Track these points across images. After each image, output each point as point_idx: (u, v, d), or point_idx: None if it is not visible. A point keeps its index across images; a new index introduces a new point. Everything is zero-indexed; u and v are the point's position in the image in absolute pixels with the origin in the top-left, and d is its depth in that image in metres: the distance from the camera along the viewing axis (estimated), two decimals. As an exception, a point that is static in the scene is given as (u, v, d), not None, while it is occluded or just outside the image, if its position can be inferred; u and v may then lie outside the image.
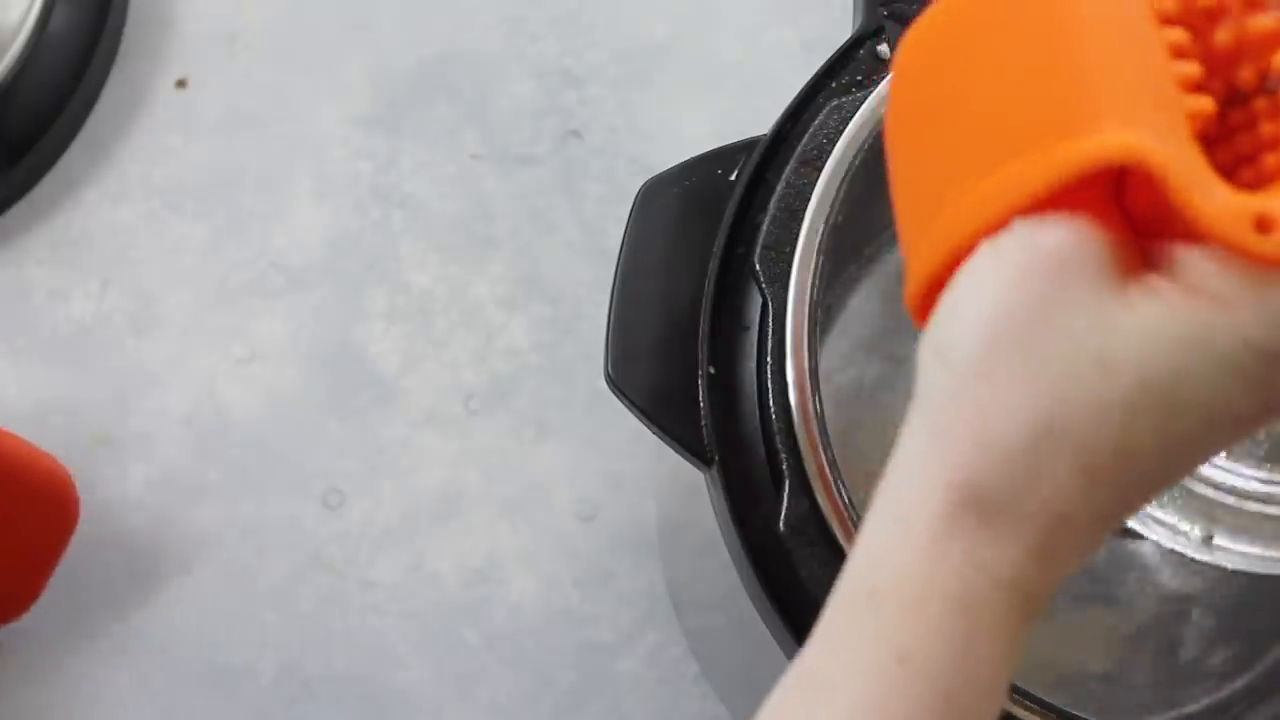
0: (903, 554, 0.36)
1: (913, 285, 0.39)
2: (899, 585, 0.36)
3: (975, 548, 0.36)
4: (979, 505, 0.36)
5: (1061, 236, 0.36)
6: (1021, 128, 0.37)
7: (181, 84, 0.84)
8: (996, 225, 0.37)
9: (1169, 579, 0.65)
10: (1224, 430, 0.36)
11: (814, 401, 0.52)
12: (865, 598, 0.36)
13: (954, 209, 0.38)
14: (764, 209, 0.55)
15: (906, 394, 0.67)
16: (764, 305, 0.54)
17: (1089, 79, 0.37)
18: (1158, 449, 0.36)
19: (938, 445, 0.36)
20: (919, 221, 0.40)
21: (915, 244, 0.40)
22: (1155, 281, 0.36)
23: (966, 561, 0.36)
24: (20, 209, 0.81)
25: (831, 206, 0.54)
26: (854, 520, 0.51)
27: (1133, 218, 0.38)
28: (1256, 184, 0.37)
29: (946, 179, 0.39)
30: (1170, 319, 0.35)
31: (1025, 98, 0.38)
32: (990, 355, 0.36)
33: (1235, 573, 0.57)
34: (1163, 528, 0.57)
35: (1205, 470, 0.55)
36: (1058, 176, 0.36)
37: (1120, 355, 0.35)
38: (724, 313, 0.55)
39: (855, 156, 0.55)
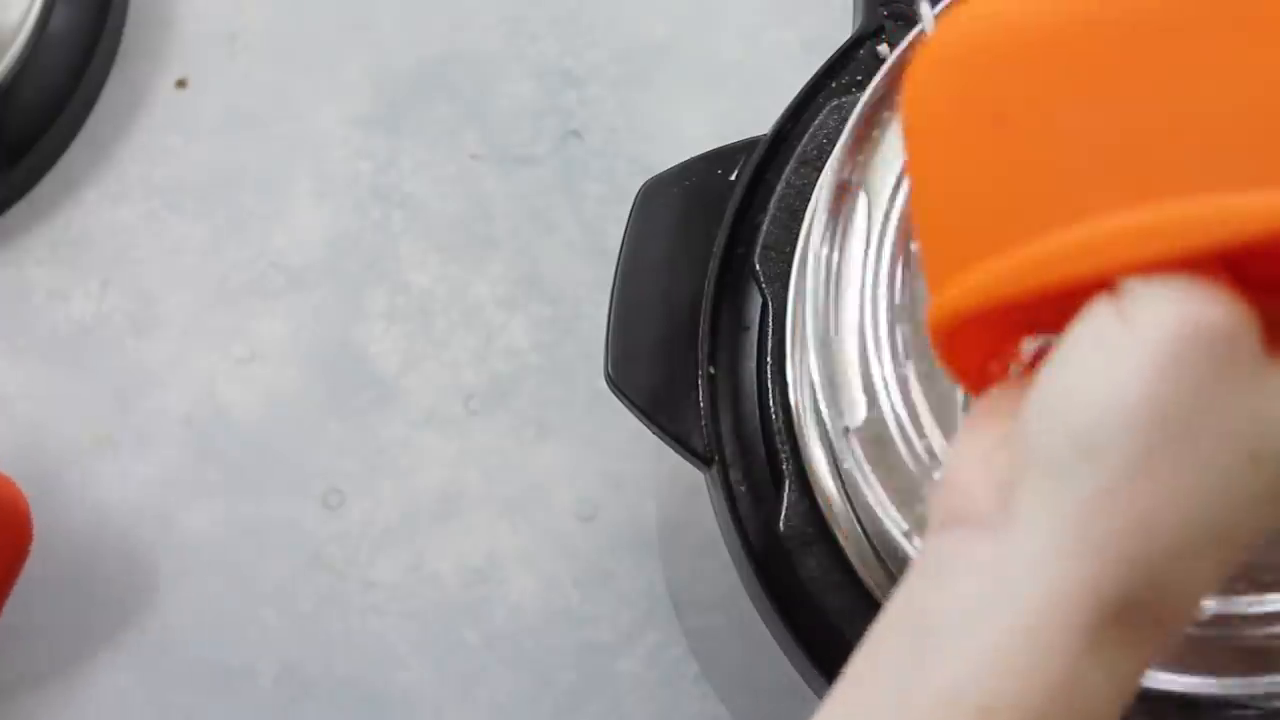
0: (1028, 672, 0.32)
1: (950, 309, 0.36)
2: (1021, 704, 0.32)
3: (1117, 662, 0.33)
4: (1129, 617, 0.33)
5: (1221, 310, 0.32)
6: (1174, 164, 0.33)
7: (181, 84, 0.84)
8: (1107, 276, 0.33)
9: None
10: None
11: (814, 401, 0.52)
12: (973, 715, 0.32)
13: (1042, 243, 0.33)
14: (764, 209, 0.55)
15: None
16: (764, 305, 0.54)
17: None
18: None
19: (1083, 553, 0.32)
20: (963, 236, 0.36)
21: (956, 262, 0.36)
22: None
23: (1106, 678, 0.33)
24: (20, 209, 0.81)
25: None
26: (855, 519, 0.50)
27: (1245, 279, 0.33)
28: None
29: (1019, 198, 0.35)
30: None
31: (1186, 127, 0.33)
32: (1151, 452, 0.32)
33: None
34: None
35: None
36: (1246, 236, 0.32)
37: (1271, 443, 0.33)
38: (724, 313, 0.55)
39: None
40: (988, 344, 0.37)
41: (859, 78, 0.57)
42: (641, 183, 0.57)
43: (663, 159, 0.59)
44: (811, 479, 0.51)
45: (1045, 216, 0.34)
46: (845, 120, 0.55)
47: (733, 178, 0.57)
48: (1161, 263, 0.32)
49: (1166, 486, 0.32)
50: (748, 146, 0.57)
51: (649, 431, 0.56)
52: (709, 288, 0.55)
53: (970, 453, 0.36)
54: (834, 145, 0.55)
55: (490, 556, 0.74)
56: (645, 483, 0.78)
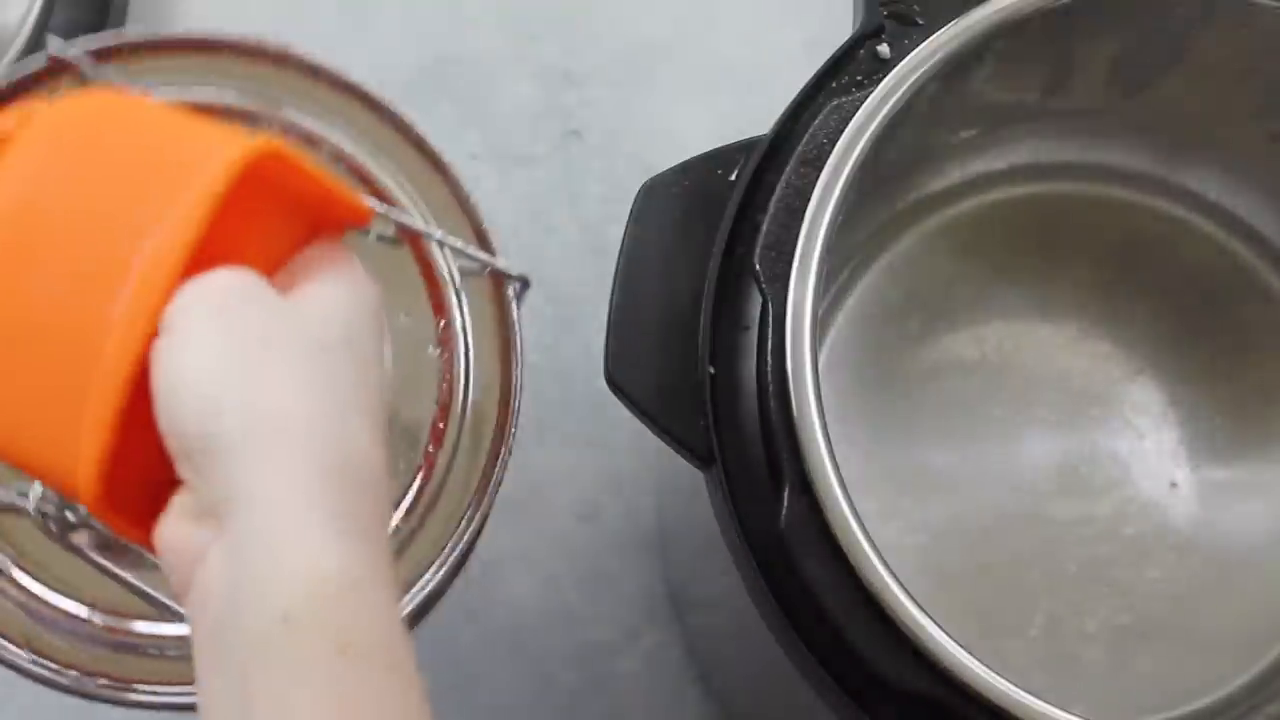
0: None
1: (91, 486, 0.38)
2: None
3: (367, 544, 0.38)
4: (351, 501, 0.38)
5: (221, 282, 0.38)
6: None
7: (181, 84, 0.84)
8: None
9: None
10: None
11: (814, 401, 0.52)
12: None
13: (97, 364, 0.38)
14: (764, 209, 0.55)
15: (906, 392, 0.67)
16: (764, 305, 0.54)
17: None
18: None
19: (286, 501, 0.37)
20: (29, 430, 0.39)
21: (48, 449, 0.39)
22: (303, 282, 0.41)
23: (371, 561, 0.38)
24: (20, 209, 0.81)
25: (832, 206, 0.54)
26: (855, 520, 0.51)
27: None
28: None
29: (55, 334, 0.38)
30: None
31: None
32: (254, 426, 0.37)
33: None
34: None
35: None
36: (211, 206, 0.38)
37: (329, 330, 0.40)
38: (724, 313, 0.55)
39: (855, 156, 0.55)
40: (145, 482, 0.39)
41: (859, 78, 0.57)
42: (641, 183, 0.57)
43: (663, 159, 0.59)
44: (811, 479, 0.51)
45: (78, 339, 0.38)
46: (846, 120, 0.55)
47: (733, 178, 0.57)
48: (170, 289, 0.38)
49: (304, 431, 0.37)
50: (748, 146, 0.57)
51: (649, 431, 0.56)
52: (709, 288, 0.55)
53: (165, 531, 0.39)
54: (834, 145, 0.55)
55: (490, 556, 0.74)
56: (645, 483, 0.78)
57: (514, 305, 0.58)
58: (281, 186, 0.41)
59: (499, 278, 0.57)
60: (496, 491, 0.56)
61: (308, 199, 0.43)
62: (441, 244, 0.57)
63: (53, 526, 0.49)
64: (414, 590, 0.54)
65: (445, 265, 0.58)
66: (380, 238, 0.57)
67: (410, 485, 0.55)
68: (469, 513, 0.55)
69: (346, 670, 0.35)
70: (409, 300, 0.57)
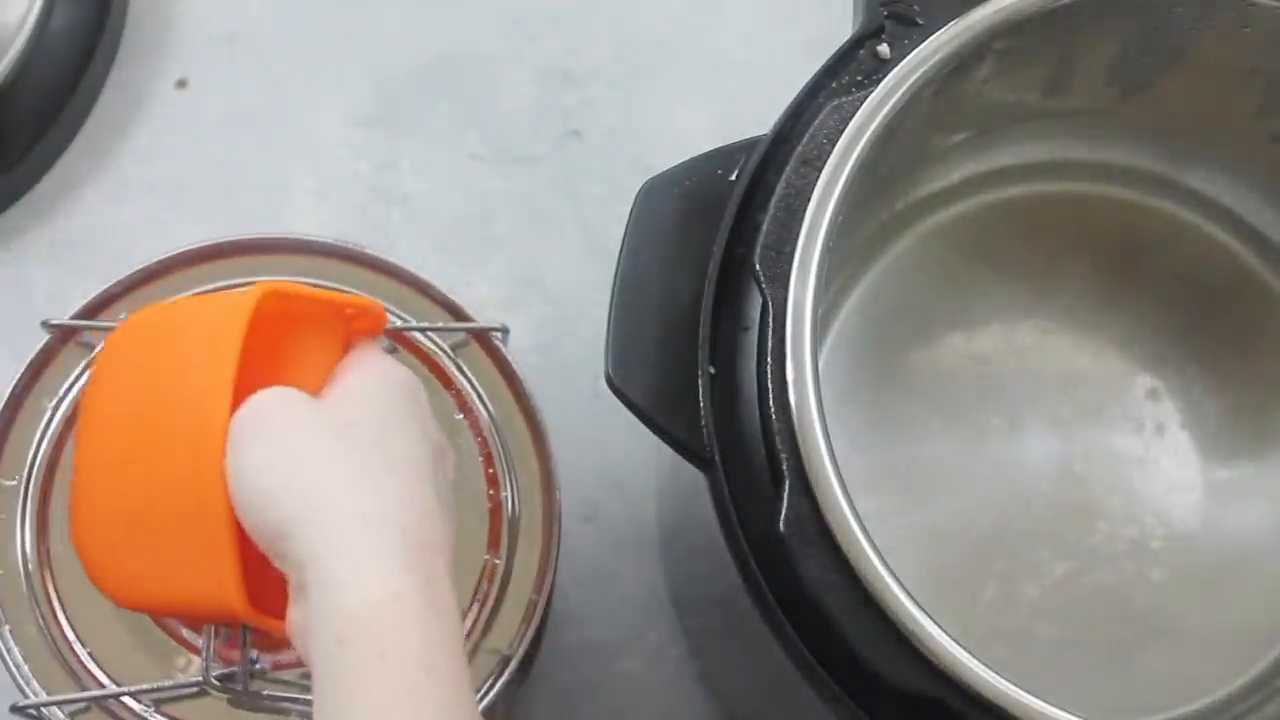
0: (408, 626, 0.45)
1: (239, 600, 0.46)
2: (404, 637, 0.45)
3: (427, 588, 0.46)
4: (420, 563, 0.46)
5: (265, 398, 0.47)
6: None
7: (181, 84, 0.84)
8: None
9: None
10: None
11: (814, 401, 0.52)
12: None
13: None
14: (764, 209, 0.55)
15: (907, 392, 0.67)
16: (764, 305, 0.54)
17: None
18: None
19: (367, 563, 0.45)
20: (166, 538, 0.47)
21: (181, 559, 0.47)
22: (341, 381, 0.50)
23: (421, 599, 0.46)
24: (20, 209, 0.81)
25: (832, 206, 0.54)
26: (855, 520, 0.51)
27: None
28: None
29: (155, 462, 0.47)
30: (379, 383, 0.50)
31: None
32: (314, 507, 0.46)
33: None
34: None
35: None
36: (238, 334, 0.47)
37: (356, 412, 0.49)
38: (724, 313, 0.55)
39: (855, 156, 0.55)
40: (270, 585, 0.47)
41: (859, 78, 0.57)
42: (641, 183, 0.57)
43: (663, 159, 0.58)
44: (812, 479, 0.51)
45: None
46: (846, 120, 0.55)
47: (733, 178, 0.56)
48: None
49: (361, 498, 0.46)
50: (748, 146, 0.57)
51: (649, 431, 0.56)
52: (709, 288, 0.55)
53: (288, 620, 0.47)
54: (834, 145, 0.55)
55: (490, 556, 0.74)
56: (645, 483, 0.78)
57: (503, 350, 0.65)
58: (291, 314, 0.50)
59: (482, 335, 0.66)
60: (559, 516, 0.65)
61: (321, 316, 0.51)
62: (423, 331, 0.66)
63: (235, 685, 0.57)
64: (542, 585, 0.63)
65: (436, 347, 0.66)
66: None
67: (490, 520, 0.65)
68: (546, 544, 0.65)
69: (386, 672, 0.42)
70: (426, 388, 0.64)
